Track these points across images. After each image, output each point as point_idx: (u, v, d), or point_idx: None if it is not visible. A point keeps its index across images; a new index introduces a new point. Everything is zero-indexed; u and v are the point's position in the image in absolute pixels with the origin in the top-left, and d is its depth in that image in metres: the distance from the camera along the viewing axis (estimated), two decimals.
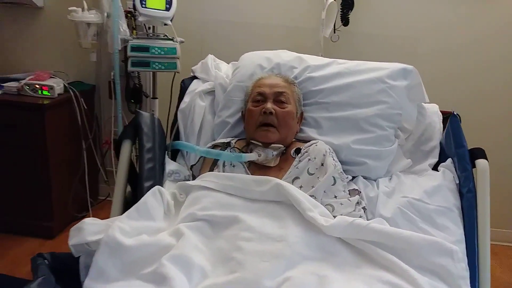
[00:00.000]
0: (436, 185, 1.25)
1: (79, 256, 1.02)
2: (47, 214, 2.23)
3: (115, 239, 0.97)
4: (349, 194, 1.24)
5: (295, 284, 0.92)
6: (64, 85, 2.22)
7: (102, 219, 1.10)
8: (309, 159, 1.26)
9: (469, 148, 1.28)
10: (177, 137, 1.50)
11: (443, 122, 1.49)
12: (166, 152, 1.39)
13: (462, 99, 2.31)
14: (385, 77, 1.42)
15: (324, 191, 1.20)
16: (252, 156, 1.26)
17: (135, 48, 1.90)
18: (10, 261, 2.05)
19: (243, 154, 1.28)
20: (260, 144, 1.30)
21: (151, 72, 2.18)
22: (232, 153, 1.31)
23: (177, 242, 1.01)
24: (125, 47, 1.98)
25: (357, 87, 1.41)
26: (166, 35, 2.01)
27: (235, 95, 1.48)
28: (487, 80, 2.31)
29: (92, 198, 2.45)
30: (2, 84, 2.17)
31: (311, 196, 1.15)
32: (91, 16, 2.06)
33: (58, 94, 2.17)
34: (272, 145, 1.29)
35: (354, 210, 1.18)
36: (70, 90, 2.21)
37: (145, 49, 1.90)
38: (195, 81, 1.61)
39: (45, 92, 2.14)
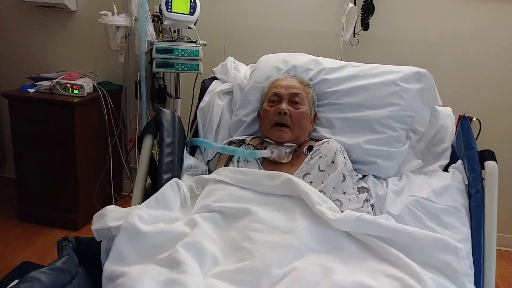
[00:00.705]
0: (445, 185, 1.27)
1: (101, 241, 1.07)
2: (73, 207, 2.32)
3: (134, 226, 1.03)
4: (358, 191, 1.27)
5: (301, 274, 0.96)
6: (93, 84, 2.32)
7: None
8: (320, 157, 1.29)
9: (479, 150, 1.29)
10: (196, 134, 1.56)
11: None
12: (185, 147, 1.45)
13: (485, 106, 2.31)
14: (398, 80, 1.44)
15: (334, 187, 1.23)
16: (265, 153, 1.31)
17: (160, 50, 1.98)
18: (37, 250, 2.15)
19: (257, 151, 1.33)
20: (273, 142, 1.34)
21: (175, 73, 2.26)
22: (247, 149, 1.36)
23: (191, 230, 1.06)
24: (151, 49, 2.06)
25: (371, 89, 1.44)
26: (189, 38, 2.08)
27: (252, 95, 1.53)
28: (508, 88, 2.29)
29: (116, 193, 2.54)
30: (35, 83, 2.27)
31: (321, 191, 1.19)
32: (120, 20, 2.16)
33: (88, 93, 2.26)
34: (285, 144, 1.34)
35: (362, 207, 1.20)
36: (99, 90, 2.30)
37: (169, 51, 1.98)
38: (214, 81, 1.67)
39: (75, 91, 2.23)
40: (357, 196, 1.23)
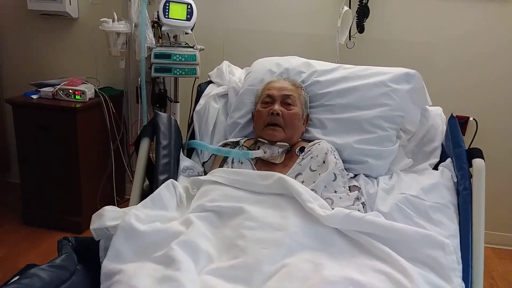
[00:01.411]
0: (433, 183, 1.30)
1: (100, 240, 1.11)
2: (77, 210, 2.36)
3: (131, 225, 1.06)
4: (349, 190, 1.30)
5: (292, 270, 0.99)
6: (95, 90, 2.35)
7: None
8: (312, 157, 1.33)
9: (468, 148, 1.32)
10: (192, 136, 1.60)
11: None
12: (182, 149, 1.49)
13: (481, 106, 2.32)
14: (388, 81, 1.48)
15: (325, 186, 1.26)
16: (258, 153, 1.34)
17: (158, 55, 2.03)
18: (41, 253, 2.19)
19: (250, 151, 1.36)
20: (266, 142, 1.38)
21: (173, 78, 2.30)
22: (240, 150, 1.40)
23: (186, 229, 1.09)
24: (151, 55, 2.12)
25: (361, 90, 1.47)
26: (187, 43, 2.13)
27: (246, 98, 1.57)
28: (506, 88, 2.30)
29: (119, 197, 2.57)
30: (39, 89, 2.32)
31: (312, 190, 1.22)
32: (121, 26, 2.20)
33: (89, 99, 2.30)
34: (278, 142, 1.37)
35: (352, 204, 1.23)
36: (101, 95, 2.34)
37: (167, 56, 2.02)
38: (210, 85, 1.71)
39: (77, 97, 2.27)
40: (347, 195, 1.26)
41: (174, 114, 2.31)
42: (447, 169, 1.35)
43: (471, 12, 2.23)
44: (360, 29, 2.27)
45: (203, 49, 2.12)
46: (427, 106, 1.55)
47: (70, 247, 1.07)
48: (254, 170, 1.34)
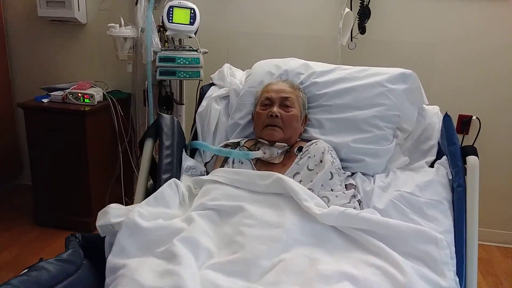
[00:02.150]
0: (428, 180, 1.32)
1: (105, 236, 1.16)
2: (87, 210, 2.41)
3: (135, 222, 1.10)
4: (346, 188, 1.33)
5: (288, 264, 1.02)
6: (103, 93, 2.41)
7: None
8: (309, 157, 1.36)
9: (462, 146, 1.34)
10: (195, 137, 1.65)
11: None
12: (185, 150, 1.53)
13: (483, 105, 2.34)
14: (384, 81, 1.50)
15: (322, 185, 1.29)
16: (258, 154, 1.38)
17: (162, 59, 2.08)
18: (53, 252, 2.20)
19: (250, 152, 1.40)
20: (266, 142, 1.42)
21: (178, 80, 2.35)
22: (241, 151, 1.44)
23: (188, 226, 1.13)
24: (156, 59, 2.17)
25: (358, 91, 1.51)
26: (191, 47, 2.17)
27: (246, 99, 1.61)
28: (509, 87, 2.31)
29: (127, 197, 2.61)
30: (49, 93, 2.38)
31: (309, 189, 1.25)
32: (127, 31, 2.25)
33: (98, 102, 2.35)
34: (277, 143, 1.41)
35: (349, 202, 1.26)
36: (109, 98, 2.40)
37: (172, 59, 2.07)
38: (212, 87, 1.75)
39: (86, 100, 2.33)
40: (344, 193, 1.29)
41: (180, 116, 2.36)
42: (442, 167, 1.38)
43: (470, 12, 2.24)
44: (362, 30, 2.30)
45: (206, 52, 2.17)
46: (424, 105, 1.58)
47: (77, 243, 1.13)
48: (254, 169, 1.38)
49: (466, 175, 1.28)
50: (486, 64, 2.30)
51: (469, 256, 1.16)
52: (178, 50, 2.14)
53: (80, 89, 2.36)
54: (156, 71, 2.30)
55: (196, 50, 2.13)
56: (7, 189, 2.93)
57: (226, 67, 1.79)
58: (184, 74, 2.09)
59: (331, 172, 1.32)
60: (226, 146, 1.51)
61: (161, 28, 2.32)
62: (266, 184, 1.25)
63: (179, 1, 2.04)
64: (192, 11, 2.03)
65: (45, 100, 2.36)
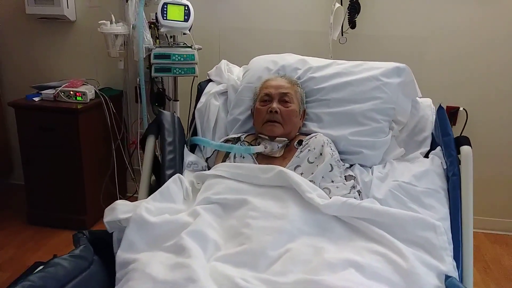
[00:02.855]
0: (424, 170, 1.37)
1: (112, 232, 1.17)
2: (81, 208, 2.41)
3: (142, 217, 1.12)
4: (345, 179, 1.37)
5: (295, 254, 1.06)
6: (95, 91, 2.40)
7: None
8: (309, 150, 1.40)
9: (455, 137, 1.39)
10: (195, 133, 1.67)
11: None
12: (185, 145, 1.55)
13: (471, 97, 2.41)
14: (380, 75, 1.54)
15: (322, 177, 1.33)
16: (259, 148, 1.41)
17: (157, 56, 2.09)
18: (48, 251, 2.24)
19: (252, 147, 1.43)
20: (267, 137, 1.44)
21: (173, 77, 2.35)
22: (242, 146, 1.46)
23: (194, 220, 1.15)
24: (149, 55, 2.15)
25: (354, 85, 1.54)
26: (185, 43, 2.18)
27: (245, 95, 1.63)
28: (495, 80, 2.38)
29: (121, 194, 2.63)
30: (40, 92, 2.36)
31: (311, 181, 1.29)
32: (119, 28, 2.24)
33: (90, 100, 2.35)
34: (277, 138, 1.44)
35: (349, 193, 1.30)
36: (101, 96, 2.39)
37: (167, 56, 2.08)
38: (210, 83, 1.77)
39: (78, 98, 2.32)
40: (344, 184, 1.33)
41: (175, 112, 2.37)
42: (437, 157, 1.43)
43: (459, 7, 2.30)
44: (352, 25, 2.34)
45: (200, 49, 2.18)
46: (417, 98, 1.62)
47: (86, 238, 1.14)
48: (256, 163, 1.41)
49: (460, 164, 1.33)
50: (474, 58, 2.36)
51: (465, 240, 1.21)
52: (172, 47, 2.15)
53: (72, 87, 2.35)
54: (148, 68, 2.31)
55: (190, 47, 2.14)
56: None
57: (224, 63, 1.81)
58: (179, 71, 2.11)
59: (331, 164, 1.35)
60: (226, 141, 1.53)
61: (152, 25, 2.32)
62: (269, 177, 1.28)
63: None
64: (186, 8, 2.04)
65: (36, 99, 2.35)
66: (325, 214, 1.19)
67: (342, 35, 2.35)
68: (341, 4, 2.29)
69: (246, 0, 2.45)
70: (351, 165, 1.50)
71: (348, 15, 2.32)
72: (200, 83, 1.78)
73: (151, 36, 2.22)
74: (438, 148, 1.45)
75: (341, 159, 1.44)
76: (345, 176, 1.39)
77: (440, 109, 1.48)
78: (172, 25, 2.04)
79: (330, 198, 1.23)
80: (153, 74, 2.13)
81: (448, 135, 1.39)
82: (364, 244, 1.12)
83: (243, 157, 1.44)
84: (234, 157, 1.45)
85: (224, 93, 1.72)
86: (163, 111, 1.51)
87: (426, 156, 1.50)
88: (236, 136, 1.54)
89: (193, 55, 2.10)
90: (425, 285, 1.01)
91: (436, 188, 1.33)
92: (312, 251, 1.08)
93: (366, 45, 2.40)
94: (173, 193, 1.27)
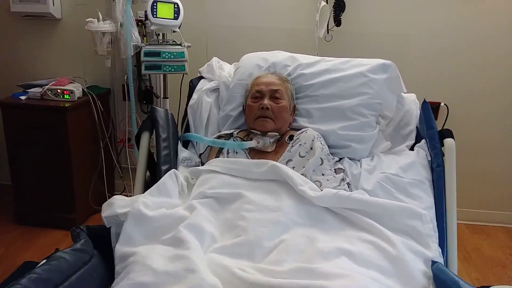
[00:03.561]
0: (410, 162, 1.43)
1: (110, 227, 1.18)
2: (70, 207, 2.41)
3: (140, 211, 1.14)
4: (335, 172, 1.42)
5: (289, 244, 1.10)
6: (83, 89, 2.40)
7: None
8: (300, 144, 1.44)
9: (439, 130, 1.46)
10: (187, 129, 1.69)
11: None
12: (179, 141, 1.58)
13: (452, 93, 2.48)
14: (367, 71, 1.60)
15: (313, 170, 1.37)
16: (252, 143, 1.44)
17: (148, 54, 2.09)
18: (37, 251, 2.24)
19: (244, 142, 1.46)
20: (259, 133, 1.48)
21: (162, 75, 2.37)
22: (235, 141, 1.50)
23: (190, 214, 1.18)
24: (137, 53, 2.17)
25: (343, 81, 1.59)
26: (175, 41, 2.20)
27: (236, 92, 1.67)
28: (475, 76, 2.46)
29: (110, 193, 2.62)
30: (27, 90, 2.35)
31: (302, 174, 1.33)
32: (106, 26, 2.24)
33: (78, 98, 2.35)
34: (269, 133, 1.48)
35: (339, 185, 1.35)
36: (88, 94, 2.39)
37: (157, 54, 2.09)
38: (202, 80, 1.79)
39: (66, 96, 2.31)
40: (334, 176, 1.38)
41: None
42: (422, 149, 1.49)
43: (442, 6, 2.37)
44: (337, 22, 2.38)
45: (190, 46, 2.20)
46: (402, 93, 1.68)
47: (84, 233, 1.15)
48: (249, 158, 1.44)
49: (443, 156, 1.39)
50: (454, 56, 2.44)
51: (449, 228, 1.28)
52: (162, 45, 2.16)
53: (59, 85, 2.35)
54: (135, 66, 2.32)
55: (180, 44, 2.16)
56: None
57: (215, 60, 1.84)
58: (169, 68, 2.12)
59: (321, 158, 1.40)
60: (219, 137, 1.55)
61: (140, 22, 2.33)
62: (262, 172, 1.32)
63: None
64: (175, 6, 2.05)
65: (23, 97, 2.34)
66: (317, 206, 1.23)
67: (328, 32, 2.39)
68: (327, 3, 2.34)
69: None
70: (340, 159, 1.55)
71: (333, 13, 2.37)
72: (191, 80, 1.80)
73: (139, 34, 2.23)
74: (423, 141, 1.51)
75: (330, 153, 1.49)
76: (335, 169, 1.44)
77: (424, 103, 1.54)
78: (162, 23, 2.05)
79: (321, 190, 1.27)
80: (143, 71, 2.14)
81: (432, 128, 1.45)
82: (354, 233, 1.17)
83: (236, 153, 1.47)
84: (227, 152, 1.48)
85: (215, 90, 1.75)
86: (156, 107, 1.54)
87: (412, 148, 1.57)
88: (228, 132, 1.57)
89: (183, 52, 2.11)
90: (413, 271, 1.06)
91: (421, 179, 1.39)
92: (306, 241, 1.11)
93: (351, 42, 2.45)
94: (169, 188, 1.29)
